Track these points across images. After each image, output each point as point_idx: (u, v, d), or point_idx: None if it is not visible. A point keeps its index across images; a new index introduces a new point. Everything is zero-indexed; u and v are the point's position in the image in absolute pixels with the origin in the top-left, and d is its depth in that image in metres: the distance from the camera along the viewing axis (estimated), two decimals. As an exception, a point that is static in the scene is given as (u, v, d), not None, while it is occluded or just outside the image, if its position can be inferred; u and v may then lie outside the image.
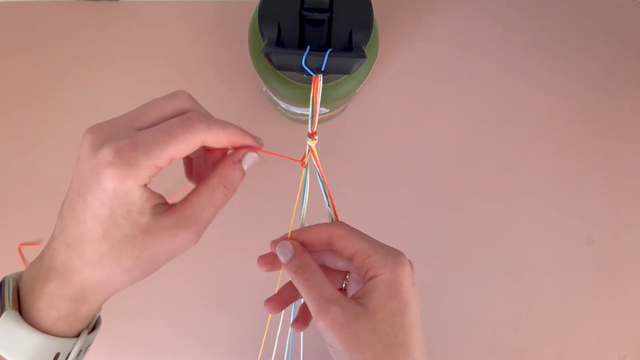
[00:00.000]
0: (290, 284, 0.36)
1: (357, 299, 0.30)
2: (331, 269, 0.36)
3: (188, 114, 0.28)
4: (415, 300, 0.31)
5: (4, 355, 0.27)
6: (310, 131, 0.34)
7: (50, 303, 0.27)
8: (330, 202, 0.36)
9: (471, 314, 0.66)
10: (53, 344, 0.28)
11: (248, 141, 0.30)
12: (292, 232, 0.34)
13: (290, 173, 0.62)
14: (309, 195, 0.36)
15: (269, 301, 0.36)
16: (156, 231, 0.27)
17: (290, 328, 0.38)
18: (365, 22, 0.35)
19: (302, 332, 0.42)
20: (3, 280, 0.29)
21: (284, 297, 0.36)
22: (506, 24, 0.67)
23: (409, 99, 0.66)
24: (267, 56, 0.33)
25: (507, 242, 0.66)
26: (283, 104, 0.50)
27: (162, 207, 0.28)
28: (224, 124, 0.29)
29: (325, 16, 0.35)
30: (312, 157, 0.35)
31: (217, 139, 0.28)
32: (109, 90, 0.64)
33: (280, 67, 0.34)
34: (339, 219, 0.36)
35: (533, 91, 0.67)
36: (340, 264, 0.35)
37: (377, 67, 0.64)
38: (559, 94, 0.67)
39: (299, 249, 0.33)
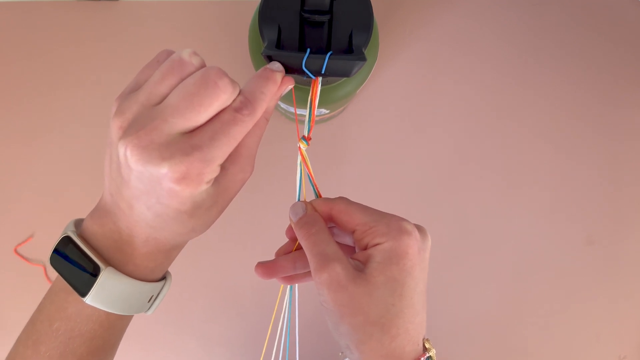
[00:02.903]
0: (288, 256, 0.35)
1: (359, 262, 0.30)
2: (342, 245, 0.35)
3: (236, 107, 0.27)
4: (420, 268, 0.30)
5: (110, 310, 0.29)
6: (306, 135, 0.34)
7: (148, 258, 0.30)
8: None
9: (471, 314, 0.66)
10: (150, 289, 0.31)
11: (279, 81, 0.30)
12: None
13: (290, 173, 0.62)
14: (308, 194, 0.36)
15: (261, 265, 0.35)
16: (228, 184, 0.29)
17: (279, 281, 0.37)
18: (366, 24, 0.35)
19: (297, 336, 0.42)
20: (68, 239, 0.29)
21: (276, 266, 0.35)
22: (506, 25, 0.66)
23: (409, 100, 0.66)
24: (267, 58, 0.33)
25: (506, 242, 0.66)
26: (283, 104, 0.50)
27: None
28: (262, 94, 0.29)
29: (325, 18, 0.35)
30: (302, 161, 0.34)
31: (262, 112, 0.29)
32: (108, 89, 0.63)
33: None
34: None
35: (533, 91, 0.66)
36: (347, 240, 0.35)
37: (377, 68, 0.64)
38: (559, 94, 0.67)
39: (311, 210, 0.33)
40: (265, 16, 0.35)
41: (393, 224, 0.30)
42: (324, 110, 0.50)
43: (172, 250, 0.31)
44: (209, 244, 0.64)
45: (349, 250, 0.35)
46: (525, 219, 0.66)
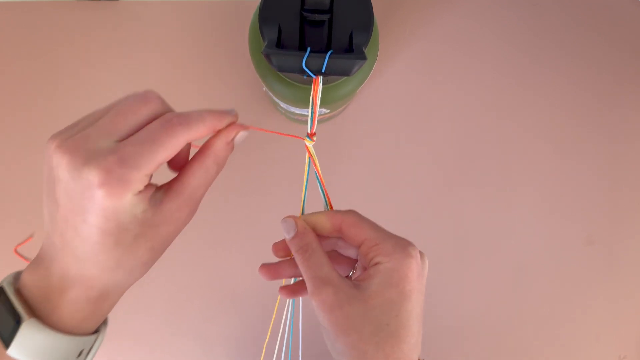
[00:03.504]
0: (291, 261, 0.36)
1: (358, 282, 0.30)
2: (342, 256, 0.36)
3: (166, 117, 0.27)
4: (418, 292, 0.30)
5: None
6: (309, 132, 0.34)
7: (75, 307, 0.28)
8: (328, 203, 0.36)
9: (470, 314, 0.66)
10: (79, 343, 0.29)
11: (226, 121, 0.30)
12: (303, 215, 0.34)
13: (291, 172, 0.62)
14: (308, 196, 0.36)
15: (264, 266, 0.36)
16: (162, 220, 0.28)
17: (279, 294, 0.37)
18: (366, 23, 0.35)
19: (300, 337, 0.42)
20: (1, 289, 0.29)
21: (279, 269, 0.36)
22: (506, 25, 0.66)
23: (409, 99, 0.66)
24: (268, 57, 0.33)
25: (506, 242, 0.66)
26: (283, 105, 0.50)
27: (159, 194, 0.28)
28: (200, 116, 0.28)
29: (325, 17, 0.35)
30: (310, 158, 0.35)
31: (198, 133, 0.28)
32: (108, 90, 0.64)
33: (281, 69, 0.34)
34: None
35: (533, 91, 0.67)
36: (351, 252, 0.35)
37: (378, 67, 0.64)
38: (559, 94, 0.67)
39: (302, 227, 0.33)
40: (265, 15, 0.35)
41: (399, 246, 0.30)
42: (324, 110, 0.50)
43: (100, 299, 0.29)
44: (207, 243, 0.64)
45: (351, 263, 0.36)
46: (525, 218, 0.66)
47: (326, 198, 0.36)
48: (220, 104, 0.63)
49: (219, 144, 0.30)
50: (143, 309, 0.64)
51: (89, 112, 0.28)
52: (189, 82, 0.64)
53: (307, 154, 0.35)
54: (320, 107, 0.47)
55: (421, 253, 0.32)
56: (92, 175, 0.24)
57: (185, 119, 0.27)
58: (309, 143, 0.34)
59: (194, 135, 0.28)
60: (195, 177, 0.29)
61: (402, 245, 0.31)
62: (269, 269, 0.35)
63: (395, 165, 0.65)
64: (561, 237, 0.67)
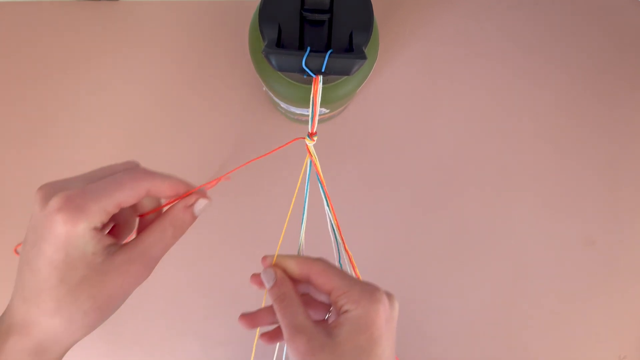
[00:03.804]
0: (269, 308, 0.37)
1: (330, 329, 0.31)
2: (317, 300, 0.37)
3: (134, 168, 0.31)
4: (388, 337, 0.31)
5: None
6: (310, 131, 0.34)
7: (8, 359, 0.28)
8: (328, 202, 0.36)
9: (470, 314, 0.66)
10: None
11: (189, 188, 0.32)
12: (278, 256, 0.35)
13: (292, 175, 0.62)
14: (309, 193, 0.36)
15: (244, 316, 0.38)
16: (110, 269, 0.28)
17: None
18: (366, 23, 0.35)
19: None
20: None
21: (258, 318, 0.37)
22: (507, 25, 0.66)
23: (409, 99, 0.66)
24: (267, 57, 0.33)
25: (506, 242, 0.66)
26: (283, 104, 0.50)
27: (114, 247, 0.29)
28: (164, 175, 0.31)
29: (325, 17, 0.35)
30: (310, 158, 0.35)
31: (160, 187, 0.30)
32: (108, 91, 0.64)
33: (281, 68, 0.34)
34: (338, 219, 0.36)
35: (533, 91, 0.67)
36: (323, 297, 0.36)
37: (378, 67, 0.64)
38: (559, 94, 0.67)
39: (280, 277, 0.34)
40: (265, 15, 0.35)
41: (365, 292, 0.31)
42: (324, 110, 0.50)
43: (37, 350, 0.28)
44: (208, 243, 0.64)
45: (326, 307, 0.37)
46: (525, 218, 0.66)
47: (326, 197, 0.36)
48: (221, 104, 0.63)
49: (178, 206, 0.32)
50: (143, 308, 0.64)
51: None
52: (188, 82, 0.64)
53: (307, 153, 0.35)
54: (320, 107, 0.47)
55: (389, 296, 0.33)
56: (54, 202, 0.26)
57: (151, 171, 0.30)
58: (309, 143, 0.34)
59: (155, 186, 0.30)
60: (151, 234, 0.31)
61: (369, 291, 0.31)
62: (247, 319, 0.37)
63: (395, 165, 0.65)
64: (561, 237, 0.67)
